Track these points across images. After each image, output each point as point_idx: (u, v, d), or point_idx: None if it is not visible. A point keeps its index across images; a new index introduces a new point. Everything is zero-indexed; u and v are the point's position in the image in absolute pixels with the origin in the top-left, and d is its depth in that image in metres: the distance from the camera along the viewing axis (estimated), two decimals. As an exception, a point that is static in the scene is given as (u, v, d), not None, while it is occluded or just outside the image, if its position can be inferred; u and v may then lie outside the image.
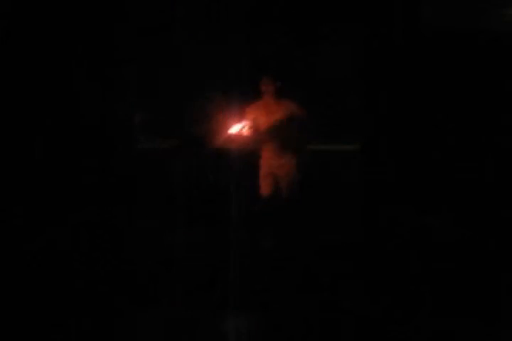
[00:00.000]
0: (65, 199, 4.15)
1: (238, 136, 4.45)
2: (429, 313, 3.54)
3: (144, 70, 4.76)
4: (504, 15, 4.50)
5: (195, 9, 4.66)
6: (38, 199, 4.10)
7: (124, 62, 4.29)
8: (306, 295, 3.84)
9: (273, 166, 4.63)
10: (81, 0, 4.17)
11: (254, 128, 4.47)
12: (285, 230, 4.64)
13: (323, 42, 5.01)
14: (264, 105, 4.53)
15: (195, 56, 4.84)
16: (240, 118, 4.43)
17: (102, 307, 3.54)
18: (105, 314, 3.50)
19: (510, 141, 4.33)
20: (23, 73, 4.12)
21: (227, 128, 4.37)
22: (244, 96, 4.55)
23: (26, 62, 4.13)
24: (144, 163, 4.76)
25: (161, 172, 4.74)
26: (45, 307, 3.47)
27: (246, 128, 4.47)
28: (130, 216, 4.38)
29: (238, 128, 4.44)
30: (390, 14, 4.43)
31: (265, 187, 4.66)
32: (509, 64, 4.38)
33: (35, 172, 4.12)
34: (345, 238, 4.65)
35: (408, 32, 4.40)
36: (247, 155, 4.49)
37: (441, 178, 4.26)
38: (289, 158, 4.58)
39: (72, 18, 4.17)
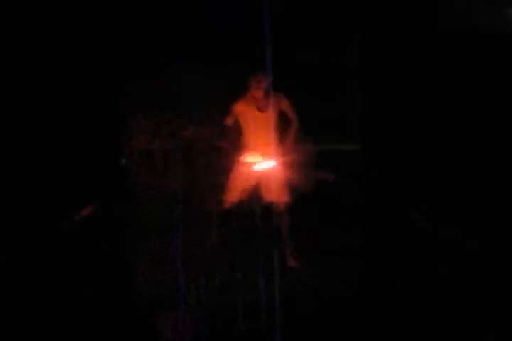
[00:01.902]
0: (62, 201, 4.14)
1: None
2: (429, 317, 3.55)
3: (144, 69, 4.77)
4: (504, 15, 4.50)
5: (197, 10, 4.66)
6: (34, 199, 4.10)
7: (124, 61, 4.28)
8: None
9: (259, 173, 4.55)
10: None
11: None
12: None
13: (323, 41, 5.00)
14: (253, 100, 4.53)
15: (196, 54, 4.84)
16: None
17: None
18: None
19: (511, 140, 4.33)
20: (21, 72, 4.11)
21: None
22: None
23: (25, 60, 4.11)
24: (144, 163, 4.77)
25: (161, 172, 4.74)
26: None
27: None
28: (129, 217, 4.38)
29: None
30: (390, 13, 4.43)
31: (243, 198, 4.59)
32: (509, 64, 4.37)
33: (32, 172, 4.11)
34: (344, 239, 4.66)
35: (408, 31, 4.40)
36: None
37: (443, 178, 4.26)
38: (280, 161, 4.52)
39: (72, 17, 4.16)
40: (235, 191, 4.52)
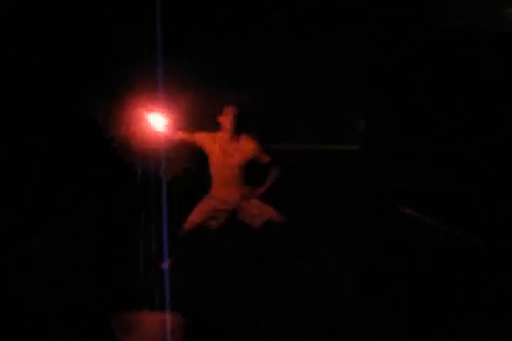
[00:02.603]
0: (65, 200, 4.14)
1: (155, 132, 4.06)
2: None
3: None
4: (504, 15, 4.50)
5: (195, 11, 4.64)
6: (37, 200, 4.09)
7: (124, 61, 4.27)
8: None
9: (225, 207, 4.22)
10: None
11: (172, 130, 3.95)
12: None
13: (324, 42, 4.99)
14: (220, 139, 4.09)
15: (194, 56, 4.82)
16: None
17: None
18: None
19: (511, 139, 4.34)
20: (25, 73, 4.11)
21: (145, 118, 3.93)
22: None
23: (28, 61, 4.12)
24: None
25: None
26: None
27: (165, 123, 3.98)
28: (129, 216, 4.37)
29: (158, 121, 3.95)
30: (391, 14, 4.44)
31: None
32: (509, 64, 4.38)
33: (34, 173, 4.11)
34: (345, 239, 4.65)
35: (408, 32, 4.40)
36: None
37: (443, 178, 4.26)
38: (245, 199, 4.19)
39: (73, 17, 4.16)
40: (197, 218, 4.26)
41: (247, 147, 4.06)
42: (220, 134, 4.08)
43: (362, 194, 4.49)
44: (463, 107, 4.38)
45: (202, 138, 4.09)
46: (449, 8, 4.49)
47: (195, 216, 4.22)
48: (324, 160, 4.85)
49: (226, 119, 4.03)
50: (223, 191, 4.19)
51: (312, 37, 4.99)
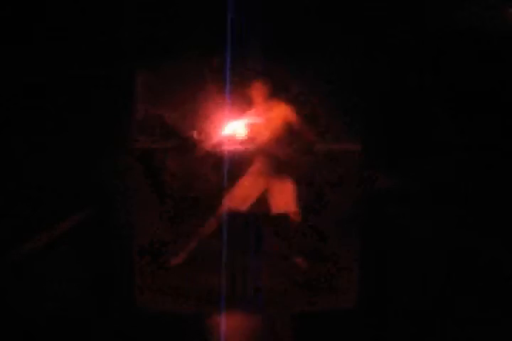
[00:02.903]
0: (63, 201, 4.12)
1: (232, 139, 4.13)
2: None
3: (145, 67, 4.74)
4: (504, 15, 4.50)
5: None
6: (35, 200, 4.08)
7: (124, 59, 4.26)
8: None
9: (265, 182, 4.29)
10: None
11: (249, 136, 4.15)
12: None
13: (324, 41, 4.98)
14: (256, 112, 4.18)
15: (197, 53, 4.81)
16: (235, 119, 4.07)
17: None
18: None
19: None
20: (22, 71, 4.09)
21: (221, 130, 4.03)
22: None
23: (25, 59, 4.10)
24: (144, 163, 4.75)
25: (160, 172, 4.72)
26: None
27: (242, 131, 4.09)
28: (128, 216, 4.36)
29: (232, 129, 4.07)
30: (391, 13, 4.43)
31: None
32: (509, 64, 4.37)
33: (33, 172, 4.10)
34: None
35: (409, 31, 4.40)
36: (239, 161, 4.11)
37: (443, 178, 4.25)
38: (287, 173, 4.19)
39: (71, 15, 4.14)
40: (235, 197, 4.27)
41: (281, 115, 3.98)
42: (252, 109, 4.11)
43: (361, 194, 4.48)
44: (463, 107, 4.37)
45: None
46: (449, 8, 4.49)
47: (237, 191, 4.19)
48: (324, 160, 4.84)
49: (256, 93, 4.06)
50: (262, 164, 4.20)
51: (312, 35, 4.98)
